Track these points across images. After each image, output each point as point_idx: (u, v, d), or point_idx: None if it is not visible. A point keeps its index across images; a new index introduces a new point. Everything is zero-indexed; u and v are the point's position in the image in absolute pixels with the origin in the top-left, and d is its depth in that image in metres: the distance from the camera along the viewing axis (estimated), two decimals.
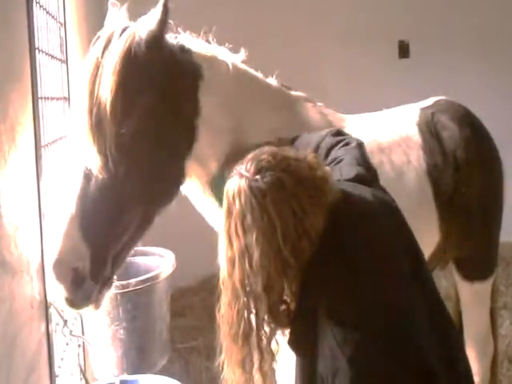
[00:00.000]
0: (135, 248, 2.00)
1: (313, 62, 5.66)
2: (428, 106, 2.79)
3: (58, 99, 2.52)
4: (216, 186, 2.03)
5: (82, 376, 2.51)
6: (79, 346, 2.62)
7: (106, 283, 1.90)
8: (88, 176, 1.80)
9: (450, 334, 1.65)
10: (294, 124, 2.25)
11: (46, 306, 2.07)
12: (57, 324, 2.21)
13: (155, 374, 2.68)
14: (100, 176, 1.78)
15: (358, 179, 1.72)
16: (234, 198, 1.52)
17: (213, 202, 2.11)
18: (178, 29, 2.01)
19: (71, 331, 2.28)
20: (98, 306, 1.91)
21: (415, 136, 2.60)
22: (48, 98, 2.27)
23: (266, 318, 1.57)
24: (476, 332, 2.87)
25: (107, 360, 2.70)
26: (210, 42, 2.11)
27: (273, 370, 1.63)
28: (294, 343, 1.57)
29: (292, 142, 2.04)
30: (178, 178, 1.99)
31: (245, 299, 1.56)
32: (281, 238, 1.48)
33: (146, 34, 1.83)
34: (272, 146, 1.64)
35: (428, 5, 5.84)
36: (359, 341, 1.43)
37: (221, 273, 1.61)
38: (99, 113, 1.77)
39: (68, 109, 2.59)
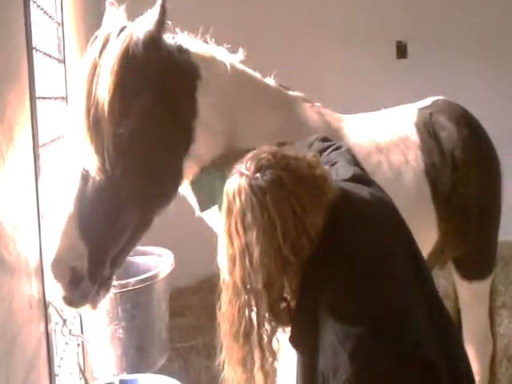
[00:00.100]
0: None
1: (311, 62, 5.67)
2: (426, 106, 2.79)
3: (55, 99, 2.53)
4: (197, 184, 2.05)
5: (81, 375, 2.51)
6: (78, 345, 2.62)
7: (105, 284, 1.90)
8: (85, 176, 1.80)
9: (449, 332, 1.65)
10: (292, 124, 2.26)
11: (45, 305, 2.07)
12: (56, 323, 2.21)
13: (154, 373, 2.68)
14: (97, 177, 1.78)
15: (355, 179, 1.73)
16: (234, 196, 1.53)
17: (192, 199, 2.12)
18: (176, 29, 2.01)
19: (70, 330, 2.28)
20: (95, 306, 1.91)
21: (413, 136, 2.60)
22: (46, 98, 2.27)
23: (266, 315, 1.58)
24: (475, 331, 2.88)
25: (106, 359, 2.71)
26: (207, 43, 2.11)
27: (274, 369, 1.64)
28: (294, 341, 1.58)
29: None
30: (176, 178, 1.99)
31: (245, 297, 1.57)
32: (281, 236, 1.49)
33: (143, 35, 1.83)
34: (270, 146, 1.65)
35: (426, 5, 5.84)
36: (360, 336, 1.43)
37: (221, 271, 1.62)
38: (97, 113, 1.77)
39: (66, 108, 2.58)
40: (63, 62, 2.70)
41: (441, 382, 1.47)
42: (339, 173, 1.75)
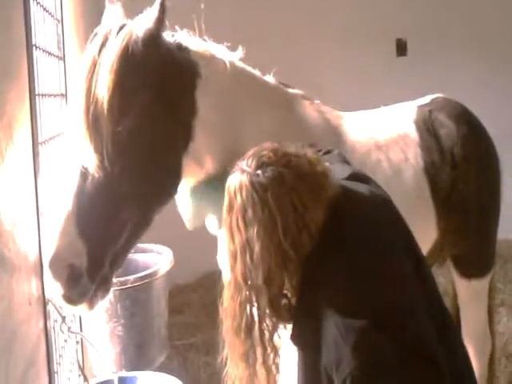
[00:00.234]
0: None
1: (310, 60, 5.66)
2: (425, 104, 2.79)
3: (55, 96, 2.52)
4: (197, 192, 2.06)
5: (80, 372, 2.51)
6: (77, 342, 2.63)
7: (104, 283, 1.90)
8: (84, 174, 1.80)
9: (449, 328, 1.67)
10: (292, 122, 2.26)
11: (44, 302, 2.07)
12: (55, 321, 2.21)
13: (153, 370, 2.69)
14: (96, 175, 1.78)
15: (353, 177, 1.74)
16: (235, 192, 1.55)
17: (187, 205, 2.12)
18: (176, 27, 2.01)
19: (69, 328, 2.28)
20: (92, 306, 1.90)
21: (412, 134, 2.60)
22: (45, 95, 2.26)
23: (267, 311, 1.60)
24: (474, 329, 2.88)
25: (105, 357, 2.71)
26: (207, 41, 2.11)
27: (276, 365, 1.65)
28: (296, 338, 1.59)
29: None
30: (175, 176, 1.99)
31: (247, 293, 1.59)
32: (281, 232, 1.51)
33: (143, 33, 1.83)
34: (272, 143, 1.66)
35: (425, 3, 5.84)
36: (362, 329, 1.44)
37: (221, 269, 1.63)
38: (96, 111, 1.77)
39: (65, 106, 2.58)
40: (63, 59, 2.70)
41: (442, 375, 1.48)
42: (337, 172, 1.76)
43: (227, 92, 2.08)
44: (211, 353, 3.85)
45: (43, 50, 2.26)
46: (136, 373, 2.61)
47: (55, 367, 2.15)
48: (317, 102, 2.45)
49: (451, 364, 1.54)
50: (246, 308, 1.61)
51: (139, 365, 2.79)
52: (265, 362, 1.63)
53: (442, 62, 5.72)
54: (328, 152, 1.93)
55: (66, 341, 2.40)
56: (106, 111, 1.76)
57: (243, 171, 1.55)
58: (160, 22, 1.84)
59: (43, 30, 2.28)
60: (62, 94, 2.63)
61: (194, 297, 5.12)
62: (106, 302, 2.45)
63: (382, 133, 2.55)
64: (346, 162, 1.90)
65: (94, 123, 1.77)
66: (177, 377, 2.51)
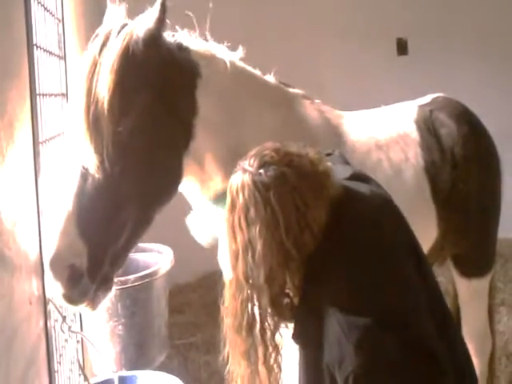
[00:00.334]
0: None
1: (311, 59, 5.66)
2: (426, 103, 2.79)
3: (56, 95, 2.52)
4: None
5: (80, 372, 2.51)
6: (78, 341, 2.63)
7: (105, 283, 1.90)
8: (85, 174, 1.80)
9: (450, 327, 1.67)
10: (292, 121, 2.26)
11: (45, 301, 2.07)
12: (56, 320, 2.21)
13: (154, 370, 2.69)
14: (97, 175, 1.78)
15: (354, 177, 1.75)
16: (237, 192, 1.56)
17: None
18: (176, 27, 2.02)
19: (70, 327, 2.28)
20: (94, 306, 1.91)
21: (413, 133, 2.60)
22: (46, 95, 2.26)
23: (269, 310, 1.60)
24: (474, 328, 2.88)
25: (106, 356, 2.71)
26: (207, 40, 2.11)
27: (278, 364, 1.66)
28: (298, 337, 1.60)
29: None
30: (176, 176, 1.99)
31: (248, 292, 1.60)
32: (283, 231, 1.52)
33: (143, 33, 1.83)
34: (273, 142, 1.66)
35: (426, 2, 5.84)
36: (365, 327, 1.44)
37: (222, 268, 1.64)
38: (97, 111, 1.77)
39: (66, 105, 2.58)
40: (64, 58, 2.70)
41: (442, 371, 1.48)
42: (338, 172, 1.76)
43: (228, 92, 2.08)
44: (211, 352, 3.85)
45: (44, 50, 2.26)
46: (136, 372, 2.61)
47: (55, 366, 2.15)
48: (317, 101, 2.45)
49: (451, 360, 1.55)
50: (247, 307, 1.61)
51: (139, 364, 2.79)
52: (266, 360, 1.64)
53: (442, 62, 5.72)
54: (329, 154, 1.93)
55: (66, 340, 2.40)
56: (106, 111, 1.76)
57: (245, 171, 1.56)
58: (161, 22, 1.84)
59: (44, 30, 2.28)
60: (62, 94, 2.63)
61: (194, 296, 5.13)
62: (106, 302, 2.46)
63: (382, 132, 2.55)
64: (346, 163, 1.91)
65: (95, 123, 1.77)
66: (177, 376, 2.51)
